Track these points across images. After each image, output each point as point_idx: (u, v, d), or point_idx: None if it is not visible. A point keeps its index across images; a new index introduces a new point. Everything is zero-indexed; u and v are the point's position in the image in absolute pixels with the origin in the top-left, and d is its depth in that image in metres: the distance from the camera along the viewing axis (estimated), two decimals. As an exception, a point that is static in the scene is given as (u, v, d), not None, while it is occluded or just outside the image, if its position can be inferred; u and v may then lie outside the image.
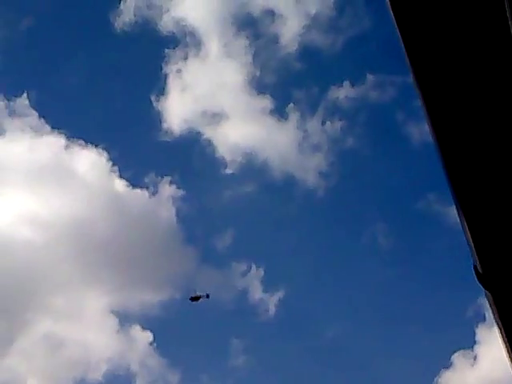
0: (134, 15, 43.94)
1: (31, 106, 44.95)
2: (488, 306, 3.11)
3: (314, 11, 46.36)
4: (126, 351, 44.27)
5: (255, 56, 49.47)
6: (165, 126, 50.58)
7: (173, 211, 44.88)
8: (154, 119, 47.60)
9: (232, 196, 47.51)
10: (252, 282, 44.20)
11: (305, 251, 48.83)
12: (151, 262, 43.96)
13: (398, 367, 42.88)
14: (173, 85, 47.10)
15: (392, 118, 48.10)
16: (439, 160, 2.37)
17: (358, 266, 48.40)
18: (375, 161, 48.60)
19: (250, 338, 46.07)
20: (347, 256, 48.28)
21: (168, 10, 48.96)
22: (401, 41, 2.06)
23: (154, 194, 44.86)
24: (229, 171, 45.81)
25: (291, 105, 46.89)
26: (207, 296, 38.24)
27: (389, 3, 1.98)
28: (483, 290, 2.95)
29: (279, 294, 44.47)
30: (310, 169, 49.11)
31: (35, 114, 44.42)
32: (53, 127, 44.33)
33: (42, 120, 44.83)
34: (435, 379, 39.78)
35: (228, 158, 46.98)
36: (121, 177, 45.07)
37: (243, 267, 44.56)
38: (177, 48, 46.54)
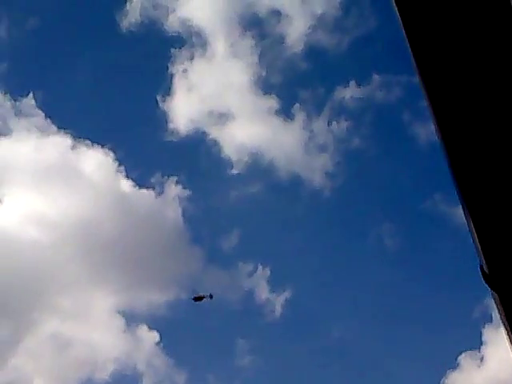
0: (140, 15, 44.00)
1: (37, 106, 45.04)
2: (495, 306, 3.10)
3: (320, 11, 46.34)
4: (133, 351, 44.29)
5: (261, 56, 49.32)
6: (171, 126, 50.48)
7: (179, 211, 44.93)
8: (160, 119, 47.58)
9: (238, 196, 47.51)
10: (258, 283, 44.19)
11: (311, 251, 48.80)
12: (158, 262, 44.04)
13: (404, 368, 42.80)
14: (179, 85, 47.19)
15: (398, 118, 48.00)
16: (445, 160, 2.36)
17: (364, 267, 48.33)
18: (381, 161, 48.48)
19: (256, 339, 45.98)
20: (353, 256, 48.22)
21: (174, 10, 48.94)
22: (406, 41, 2.06)
23: (160, 194, 44.91)
24: (235, 171, 45.81)
25: (297, 105, 46.80)
26: (210, 296, 38.20)
27: (394, 3, 1.98)
28: (490, 290, 2.94)
29: (286, 295, 44.42)
30: (316, 169, 48.99)
31: (41, 114, 44.51)
32: (59, 127, 44.39)
33: (49, 120, 44.92)
34: (441, 380, 39.70)
35: (234, 158, 47.00)
36: (127, 177, 45.05)
37: (249, 267, 44.55)
38: (183, 48, 46.49)
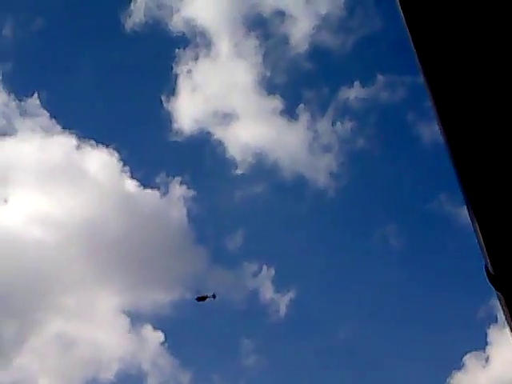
0: (145, 15, 44.15)
1: (42, 106, 45.27)
2: (500, 307, 3.09)
3: (324, 12, 46.43)
4: (138, 351, 44.43)
5: (265, 56, 49.45)
6: (175, 126, 50.61)
7: (184, 211, 45.04)
8: (165, 119, 47.77)
9: (242, 196, 47.58)
10: (263, 283, 44.26)
11: (316, 252, 48.83)
12: (162, 262, 44.09)
13: (409, 368, 42.77)
14: (183, 85, 47.39)
15: (402, 119, 48.04)
16: (450, 160, 2.36)
17: (368, 267, 48.32)
18: (385, 161, 48.52)
19: (260, 339, 46.05)
20: (358, 256, 48.22)
21: (178, 10, 49.03)
22: (411, 41, 2.05)
23: (164, 194, 45.04)
24: (239, 171, 45.94)
25: (301, 105, 46.95)
26: (213, 296, 38.18)
27: (399, 3, 1.97)
28: (495, 291, 2.93)
29: (290, 295, 44.50)
30: (321, 169, 49.11)
31: (46, 114, 44.71)
32: (64, 127, 44.59)
33: (53, 120, 45.11)
34: (447, 381, 39.71)
35: (238, 158, 47.10)
36: (132, 177, 45.21)
37: (254, 267, 44.63)
38: (187, 48, 46.63)
